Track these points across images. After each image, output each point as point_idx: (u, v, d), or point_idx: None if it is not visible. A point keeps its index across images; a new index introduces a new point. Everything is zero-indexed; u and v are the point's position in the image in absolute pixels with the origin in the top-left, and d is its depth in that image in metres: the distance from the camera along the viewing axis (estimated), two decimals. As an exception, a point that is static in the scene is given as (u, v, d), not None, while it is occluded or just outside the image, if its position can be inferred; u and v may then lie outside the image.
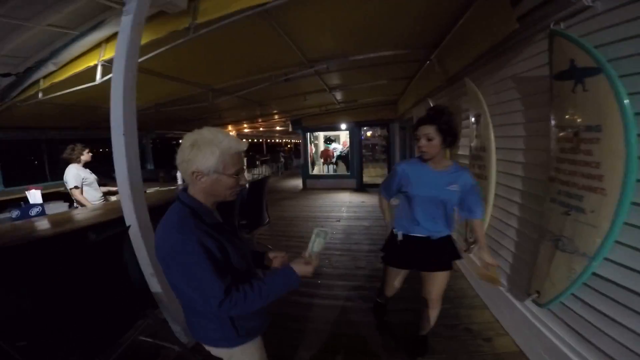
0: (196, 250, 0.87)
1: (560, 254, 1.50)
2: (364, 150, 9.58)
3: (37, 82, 3.35)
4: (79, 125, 5.36)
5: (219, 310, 0.89)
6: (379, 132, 10.26)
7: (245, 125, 10.75)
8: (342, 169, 10.59)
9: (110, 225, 2.25)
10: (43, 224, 2.47)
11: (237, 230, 1.16)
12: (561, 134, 1.51)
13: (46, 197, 4.45)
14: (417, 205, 1.74)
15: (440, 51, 3.22)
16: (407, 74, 4.79)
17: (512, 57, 2.09)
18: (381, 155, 10.11)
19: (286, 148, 21.82)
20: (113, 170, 1.80)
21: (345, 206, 6.70)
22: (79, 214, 2.83)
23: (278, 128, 11.95)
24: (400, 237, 1.84)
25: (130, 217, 1.62)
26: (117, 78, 1.54)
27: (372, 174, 10.10)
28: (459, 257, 1.83)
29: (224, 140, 0.94)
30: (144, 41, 2.42)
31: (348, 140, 9.93)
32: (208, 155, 0.92)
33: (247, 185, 3.39)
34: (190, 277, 0.89)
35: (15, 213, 2.90)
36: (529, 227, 1.88)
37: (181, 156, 0.95)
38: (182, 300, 1.03)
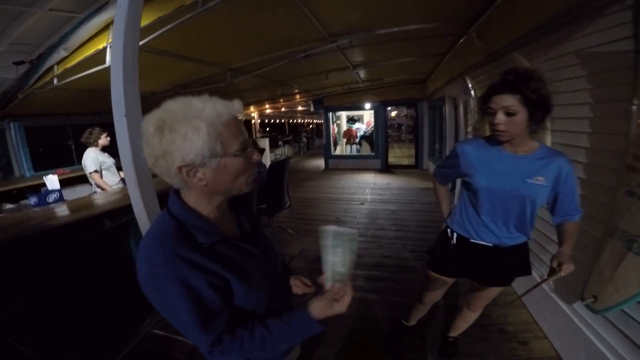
0: (172, 289, 0.61)
1: (634, 257, 1.27)
2: (389, 131, 9.21)
3: (51, 68, 3.33)
4: (100, 110, 5.44)
5: (209, 356, 0.69)
6: (405, 111, 9.76)
7: (267, 106, 10.62)
8: (366, 149, 10.30)
9: (126, 211, 2.22)
10: (57, 212, 2.49)
11: (259, 234, 0.87)
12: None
13: (74, 181, 4.60)
14: (485, 201, 1.32)
15: (482, 24, 2.85)
16: (438, 50, 4.39)
17: (577, 30, 1.75)
18: (408, 136, 9.66)
19: (308, 128, 21.60)
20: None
21: (369, 188, 6.50)
22: (95, 200, 2.84)
23: (300, 108, 11.71)
24: (454, 241, 1.47)
25: (138, 206, 1.54)
26: (116, 55, 1.41)
27: (398, 155, 9.73)
28: (529, 272, 1.42)
29: (206, 106, 0.62)
30: (150, 19, 2.28)
31: (372, 120, 9.57)
32: (191, 134, 0.60)
33: (266, 165, 3.29)
34: (171, 317, 0.65)
35: (33, 200, 2.96)
36: (591, 223, 1.61)
37: (150, 151, 0.63)
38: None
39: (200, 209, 0.71)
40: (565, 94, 1.90)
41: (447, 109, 5.55)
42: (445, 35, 3.54)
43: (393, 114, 9.65)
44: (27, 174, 5.19)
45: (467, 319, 1.74)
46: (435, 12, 2.82)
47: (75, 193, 3.28)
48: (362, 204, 5.33)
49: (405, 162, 9.11)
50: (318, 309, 0.72)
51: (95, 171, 3.38)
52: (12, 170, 5.13)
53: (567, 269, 1.16)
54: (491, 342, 1.98)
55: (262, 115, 12.50)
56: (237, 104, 0.67)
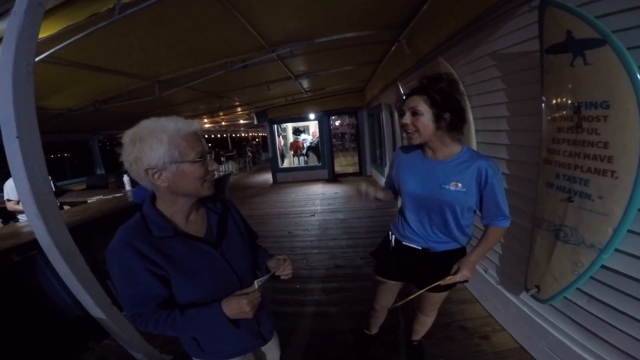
0: (117, 268, 0.81)
1: (562, 246, 1.38)
2: (334, 140, 9.42)
3: None
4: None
5: (131, 322, 0.86)
6: (347, 120, 10.11)
7: (205, 120, 10.12)
8: (313, 160, 10.37)
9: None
10: None
11: (225, 238, 1.00)
12: (557, 113, 1.38)
13: None
14: (410, 205, 1.37)
15: (410, 31, 3.05)
16: (373, 58, 4.62)
17: (491, 33, 1.93)
18: (351, 144, 9.99)
19: (253, 142, 21.13)
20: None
21: (318, 199, 6.50)
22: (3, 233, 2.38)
23: (242, 121, 11.41)
24: (392, 243, 1.50)
25: (43, 239, 1.29)
26: (3, 68, 1.17)
27: (344, 163, 9.99)
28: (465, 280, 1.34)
29: (170, 124, 0.80)
30: (58, 28, 2.01)
31: (317, 130, 9.70)
32: (155, 144, 0.77)
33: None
34: (115, 289, 0.84)
35: None
36: (521, 215, 1.76)
37: (126, 158, 0.80)
38: None
39: (164, 208, 0.87)
40: (485, 95, 2.08)
41: (384, 115, 5.86)
42: (380, 43, 3.71)
43: (337, 123, 9.91)
44: None
45: (423, 323, 1.75)
46: (370, 20, 2.94)
47: None
48: (313, 215, 5.28)
49: (351, 170, 9.38)
50: (230, 305, 0.86)
51: (10, 200, 3.07)
52: None
53: (462, 275, 1.25)
54: (454, 340, 2.03)
55: (201, 130, 11.89)
56: (196, 122, 0.86)
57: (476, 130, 2.28)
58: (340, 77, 5.90)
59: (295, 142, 11.73)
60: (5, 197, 3.11)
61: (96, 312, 1.53)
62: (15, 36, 1.17)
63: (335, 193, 6.94)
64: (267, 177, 9.86)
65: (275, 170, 9.37)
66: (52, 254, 1.31)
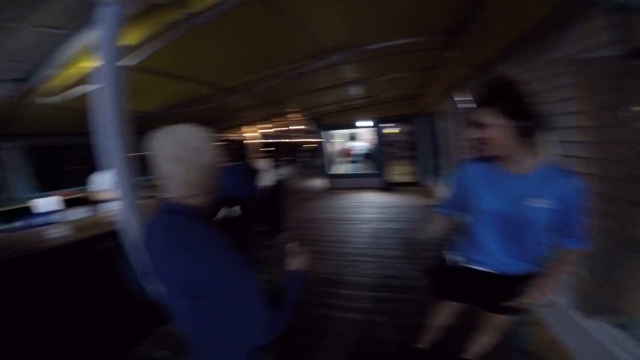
0: (239, 265, 0.86)
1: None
2: (388, 148, 9.34)
3: (39, 85, 3.44)
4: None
5: (264, 333, 0.85)
6: (402, 128, 9.93)
7: (261, 126, 10.80)
8: (366, 168, 10.38)
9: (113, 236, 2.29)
10: (48, 234, 2.60)
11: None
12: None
13: (75, 202, 4.62)
14: (483, 224, 1.28)
15: (466, 36, 2.98)
16: (426, 65, 4.55)
17: (561, 36, 1.83)
18: (406, 153, 9.77)
19: (306, 148, 21.77)
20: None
21: (371, 207, 6.52)
22: (87, 222, 2.93)
23: (296, 127, 11.90)
24: (454, 266, 1.42)
25: (128, 230, 1.56)
26: (100, 74, 1.48)
27: (398, 172, 9.80)
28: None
29: (198, 130, 0.95)
30: (137, 39, 2.38)
31: (370, 137, 9.72)
32: (199, 146, 0.92)
33: (264, 186, 3.33)
34: (238, 294, 0.84)
35: (21, 224, 3.17)
36: (601, 235, 1.61)
37: (170, 158, 0.90)
38: (200, 333, 0.96)
39: (203, 205, 0.97)
40: (557, 103, 1.96)
41: (440, 124, 5.67)
42: (432, 49, 3.67)
43: (392, 130, 9.79)
44: (24, 196, 5.19)
45: (482, 343, 1.70)
46: (420, 25, 2.95)
47: (73, 214, 3.42)
48: (365, 223, 5.31)
49: (405, 179, 9.15)
50: (294, 265, 1.14)
51: (98, 191, 3.61)
52: (9, 191, 5.18)
53: (534, 298, 1.18)
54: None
55: (262, 135, 12.67)
56: (205, 128, 0.98)
57: (550, 141, 2.15)
58: (391, 84, 5.91)
59: (347, 149, 11.88)
60: (93, 189, 3.68)
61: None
62: (109, 42, 1.46)
63: (389, 202, 6.87)
64: (321, 182, 10.13)
65: (328, 176, 9.59)
66: (132, 243, 1.58)
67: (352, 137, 12.35)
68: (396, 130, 9.77)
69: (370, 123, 8.86)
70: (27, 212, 3.70)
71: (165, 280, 0.95)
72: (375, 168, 9.12)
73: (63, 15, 2.52)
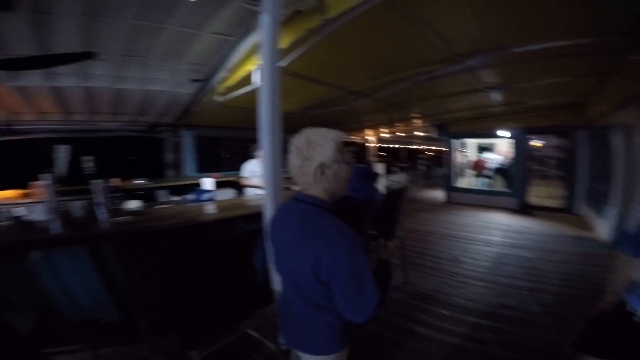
0: (362, 251, 0.98)
1: None
2: (530, 164, 8.12)
3: (215, 86, 4.36)
4: (252, 126, 6.71)
5: (369, 313, 0.99)
6: (553, 141, 8.46)
7: (382, 130, 11.01)
8: (498, 184, 9.31)
9: (255, 218, 2.52)
10: (206, 209, 3.27)
11: None
12: None
13: (224, 184, 5.83)
14: None
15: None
16: (600, 68, 3.83)
17: None
18: (556, 172, 8.27)
19: (427, 155, 20.91)
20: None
21: (499, 229, 5.88)
22: (237, 204, 3.61)
23: (418, 133, 11.64)
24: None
25: (268, 214, 1.86)
26: (264, 77, 1.82)
27: (542, 194, 8.40)
28: None
29: (330, 132, 1.08)
30: (285, 43, 2.77)
31: (509, 150, 8.66)
32: (326, 147, 1.04)
33: (380, 191, 3.48)
34: (359, 279, 0.97)
35: (191, 197, 4.05)
36: None
37: (300, 157, 1.06)
38: (309, 308, 1.09)
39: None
40: None
41: (618, 140, 4.61)
42: (610, 51, 3.10)
43: (537, 143, 8.47)
44: (191, 174, 6.93)
45: None
46: (590, 25, 2.57)
47: (223, 195, 4.43)
48: (486, 246, 4.88)
49: (551, 203, 7.77)
50: (382, 254, 1.25)
51: (244, 177, 4.32)
52: (181, 169, 7.02)
53: None
54: None
55: (378, 140, 12.95)
56: (339, 132, 1.11)
57: None
58: (546, 90, 5.16)
59: (478, 161, 10.85)
60: (243, 175, 4.25)
61: (276, 284, 1.90)
62: (268, 49, 1.80)
63: (524, 227, 6.04)
64: (439, 194, 9.65)
65: (450, 188, 9.05)
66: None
67: (485, 148, 11.23)
68: (540, 144, 8.41)
69: (510, 133, 7.91)
70: (193, 188, 4.73)
71: (290, 260, 1.11)
72: (511, 186, 8.09)
73: (232, 24, 3.19)
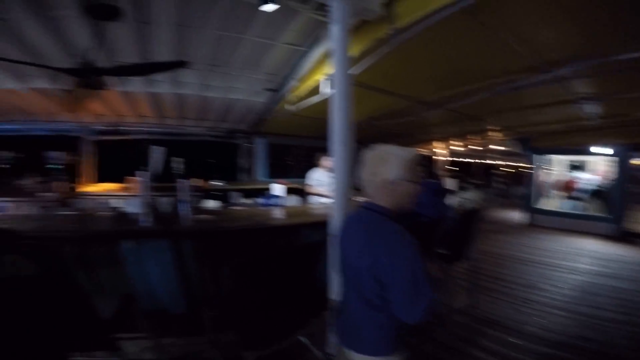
0: (419, 256, 1.09)
1: None
2: (635, 186, 7.16)
3: (286, 95, 4.66)
4: (319, 135, 7.05)
5: (424, 313, 1.07)
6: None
7: (454, 143, 10.64)
8: (591, 207, 8.36)
9: (321, 227, 2.56)
10: (275, 214, 3.49)
11: None
12: None
13: (288, 191, 6.21)
14: None
15: None
16: None
17: None
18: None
19: (504, 172, 19.38)
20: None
21: (588, 256, 5.34)
22: (302, 211, 3.86)
23: (495, 147, 10.97)
24: None
25: (334, 227, 1.89)
26: (335, 86, 1.94)
27: (647, 221, 7.32)
28: None
29: (401, 151, 1.19)
30: (353, 53, 2.80)
31: (606, 169, 7.77)
32: (395, 164, 1.16)
33: (452, 208, 3.40)
34: (416, 282, 1.07)
35: (261, 201, 4.41)
36: None
37: (370, 170, 1.21)
38: (366, 307, 1.20)
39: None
40: None
41: None
42: None
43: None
44: (261, 179, 7.56)
45: None
46: None
47: (290, 201, 4.69)
48: (572, 273, 4.49)
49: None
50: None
51: (309, 185, 4.65)
52: (252, 174, 7.72)
53: None
54: None
55: (449, 153, 12.48)
56: (413, 150, 1.22)
57: None
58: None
59: (569, 181, 9.84)
60: (309, 183, 4.62)
61: (332, 293, 1.96)
62: (339, 60, 1.92)
63: (620, 255, 5.40)
64: (517, 215, 8.98)
65: (531, 209, 8.39)
66: (333, 237, 1.79)
67: (577, 167, 10.16)
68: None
69: (610, 150, 7.11)
70: (262, 192, 5.04)
71: (354, 261, 1.23)
72: (608, 210, 7.24)
73: (302, 34, 3.44)
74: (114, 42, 3.39)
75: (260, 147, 7.72)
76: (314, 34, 3.38)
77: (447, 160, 12.42)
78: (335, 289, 1.90)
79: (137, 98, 5.29)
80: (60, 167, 5.79)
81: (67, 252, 2.38)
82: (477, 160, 17.21)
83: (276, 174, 7.66)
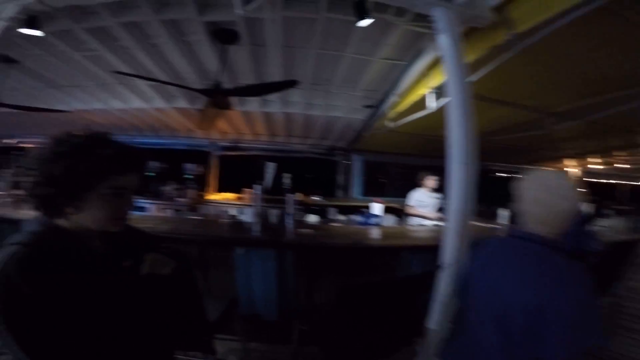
0: (594, 303, 1.03)
1: None
2: None
3: (386, 112, 4.58)
4: (420, 153, 6.80)
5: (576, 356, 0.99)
6: None
7: (590, 160, 8.87)
8: None
9: (426, 251, 2.48)
10: (372, 234, 3.38)
11: None
12: None
13: (386, 210, 6.09)
14: None
15: None
16: None
17: None
18: None
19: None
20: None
21: None
22: (401, 232, 3.75)
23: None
24: None
25: (448, 254, 1.68)
26: (452, 100, 1.78)
27: None
28: None
29: (565, 179, 1.16)
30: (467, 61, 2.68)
31: None
32: (567, 193, 1.10)
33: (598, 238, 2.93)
34: (582, 325, 0.97)
35: (359, 219, 4.34)
36: None
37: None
38: (505, 345, 1.09)
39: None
40: None
41: None
42: None
43: None
44: (357, 196, 7.67)
45: None
46: None
47: (388, 220, 4.57)
48: None
49: None
50: None
51: (410, 206, 4.50)
52: (348, 191, 7.87)
53: None
54: None
55: (584, 173, 10.48)
56: (570, 174, 1.15)
57: None
58: None
59: None
60: (409, 203, 4.49)
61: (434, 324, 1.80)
62: (453, 71, 1.78)
63: None
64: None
65: None
66: (448, 269, 1.70)
67: None
68: None
69: None
70: (358, 210, 5.01)
71: (500, 296, 1.12)
72: None
73: (400, 48, 3.32)
74: (234, 64, 3.81)
75: (357, 164, 7.84)
76: (414, 47, 3.29)
77: (582, 180, 10.43)
78: (436, 318, 1.76)
79: (253, 117, 5.94)
80: (192, 177, 6.92)
81: (193, 254, 2.64)
82: (622, 182, 14.05)
83: (370, 191, 7.66)
